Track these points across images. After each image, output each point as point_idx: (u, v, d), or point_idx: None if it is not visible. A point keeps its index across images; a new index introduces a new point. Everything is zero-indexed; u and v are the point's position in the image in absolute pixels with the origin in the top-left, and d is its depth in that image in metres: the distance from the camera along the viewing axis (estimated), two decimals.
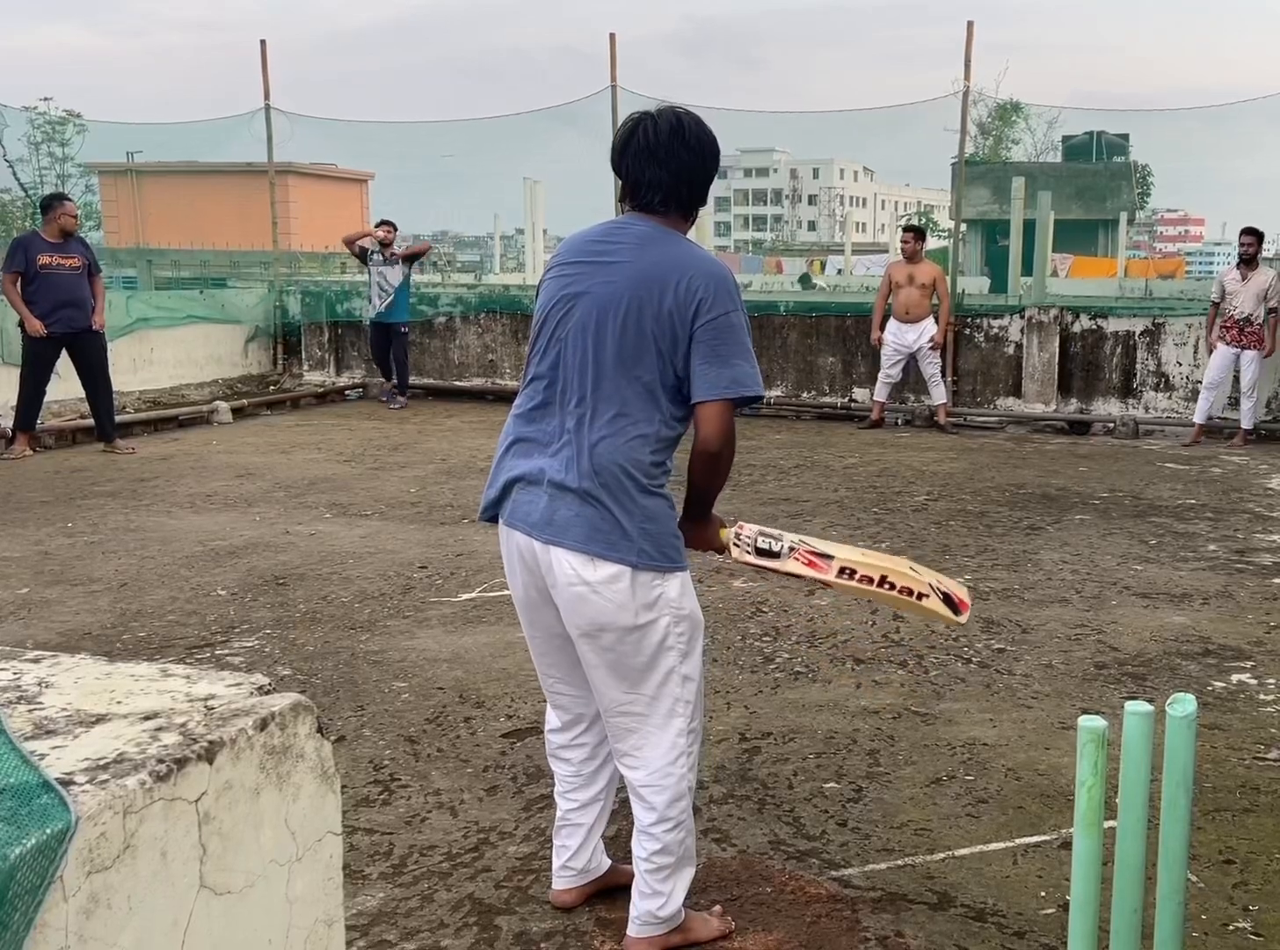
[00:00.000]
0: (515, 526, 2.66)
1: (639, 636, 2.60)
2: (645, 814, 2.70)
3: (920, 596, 2.71)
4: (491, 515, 2.74)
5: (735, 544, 2.78)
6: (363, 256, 11.88)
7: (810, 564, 2.74)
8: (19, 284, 8.90)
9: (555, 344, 2.65)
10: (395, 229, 12.09)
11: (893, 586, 2.71)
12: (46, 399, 9.44)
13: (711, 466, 2.66)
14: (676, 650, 2.64)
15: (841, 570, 2.73)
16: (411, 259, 12.01)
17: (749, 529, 2.79)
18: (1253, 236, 9.82)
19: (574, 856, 2.90)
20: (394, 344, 11.85)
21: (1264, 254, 11.27)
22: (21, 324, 8.97)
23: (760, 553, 2.76)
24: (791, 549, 2.75)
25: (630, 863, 2.82)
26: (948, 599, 2.73)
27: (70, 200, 9.59)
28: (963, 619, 2.77)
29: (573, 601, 2.58)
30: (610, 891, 2.96)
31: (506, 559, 2.74)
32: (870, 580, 2.72)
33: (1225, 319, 9.80)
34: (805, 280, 22.95)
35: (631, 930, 2.74)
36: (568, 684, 2.83)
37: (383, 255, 11.70)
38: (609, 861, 2.98)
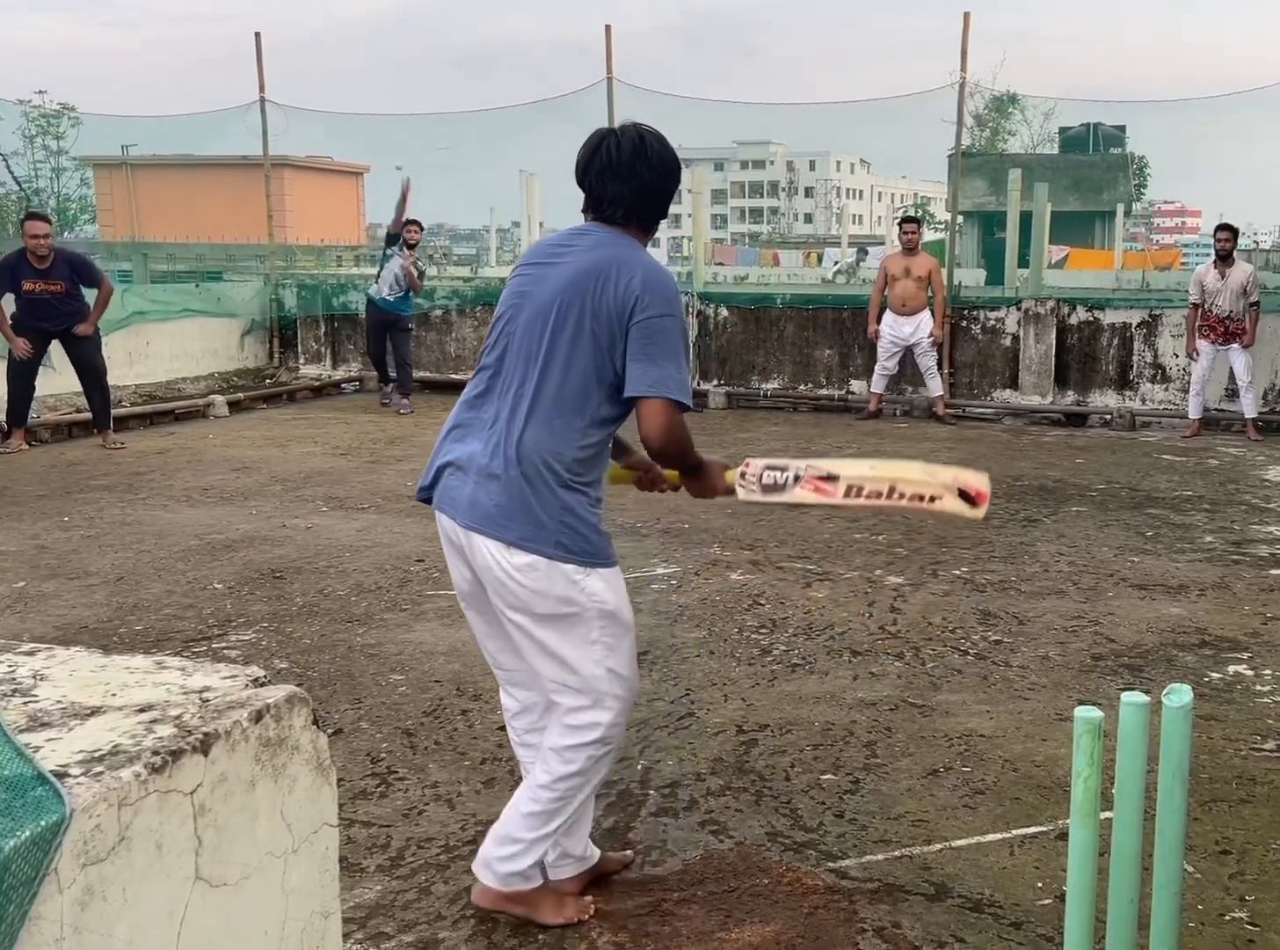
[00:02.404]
0: (444, 510, 2.73)
1: (563, 627, 2.65)
2: (542, 774, 2.76)
3: (932, 499, 2.69)
4: (426, 497, 2.82)
5: (741, 484, 2.78)
6: (394, 241, 11.32)
7: (817, 490, 2.73)
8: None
9: (504, 338, 2.74)
10: (422, 229, 11.63)
11: (903, 495, 2.70)
12: (42, 393, 9.43)
13: (662, 461, 2.73)
14: (602, 645, 2.68)
15: (849, 489, 2.71)
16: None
17: (755, 465, 2.80)
18: (1228, 233, 9.82)
19: (573, 844, 2.90)
20: (397, 341, 11.41)
21: (1262, 246, 11.27)
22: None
23: (767, 488, 2.76)
24: (798, 478, 2.74)
25: (616, 850, 2.84)
26: (964, 494, 2.68)
27: (38, 218, 9.17)
28: (980, 513, 2.71)
29: (495, 585, 2.66)
30: (607, 882, 2.97)
31: (443, 542, 2.80)
32: (879, 494, 2.70)
33: (1208, 318, 9.79)
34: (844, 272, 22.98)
35: (476, 867, 2.83)
36: (516, 665, 2.86)
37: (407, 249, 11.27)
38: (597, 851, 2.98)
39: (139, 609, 5.23)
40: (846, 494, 2.71)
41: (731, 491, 2.81)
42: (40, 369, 9.23)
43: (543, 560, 2.59)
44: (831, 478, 2.73)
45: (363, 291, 12.08)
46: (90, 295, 9.31)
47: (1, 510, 7.10)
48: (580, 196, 2.84)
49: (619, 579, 2.73)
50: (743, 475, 2.78)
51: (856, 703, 4.17)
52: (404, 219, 11.30)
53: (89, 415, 9.56)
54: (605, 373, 2.63)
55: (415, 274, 11.23)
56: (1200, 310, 9.82)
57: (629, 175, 2.71)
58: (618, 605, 2.70)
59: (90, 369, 9.27)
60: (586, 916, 2.83)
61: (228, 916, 1.38)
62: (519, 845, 2.77)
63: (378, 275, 11.43)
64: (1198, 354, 9.82)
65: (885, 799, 3.45)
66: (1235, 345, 9.70)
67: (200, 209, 23.24)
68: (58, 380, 9.72)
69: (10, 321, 8.98)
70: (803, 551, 6.16)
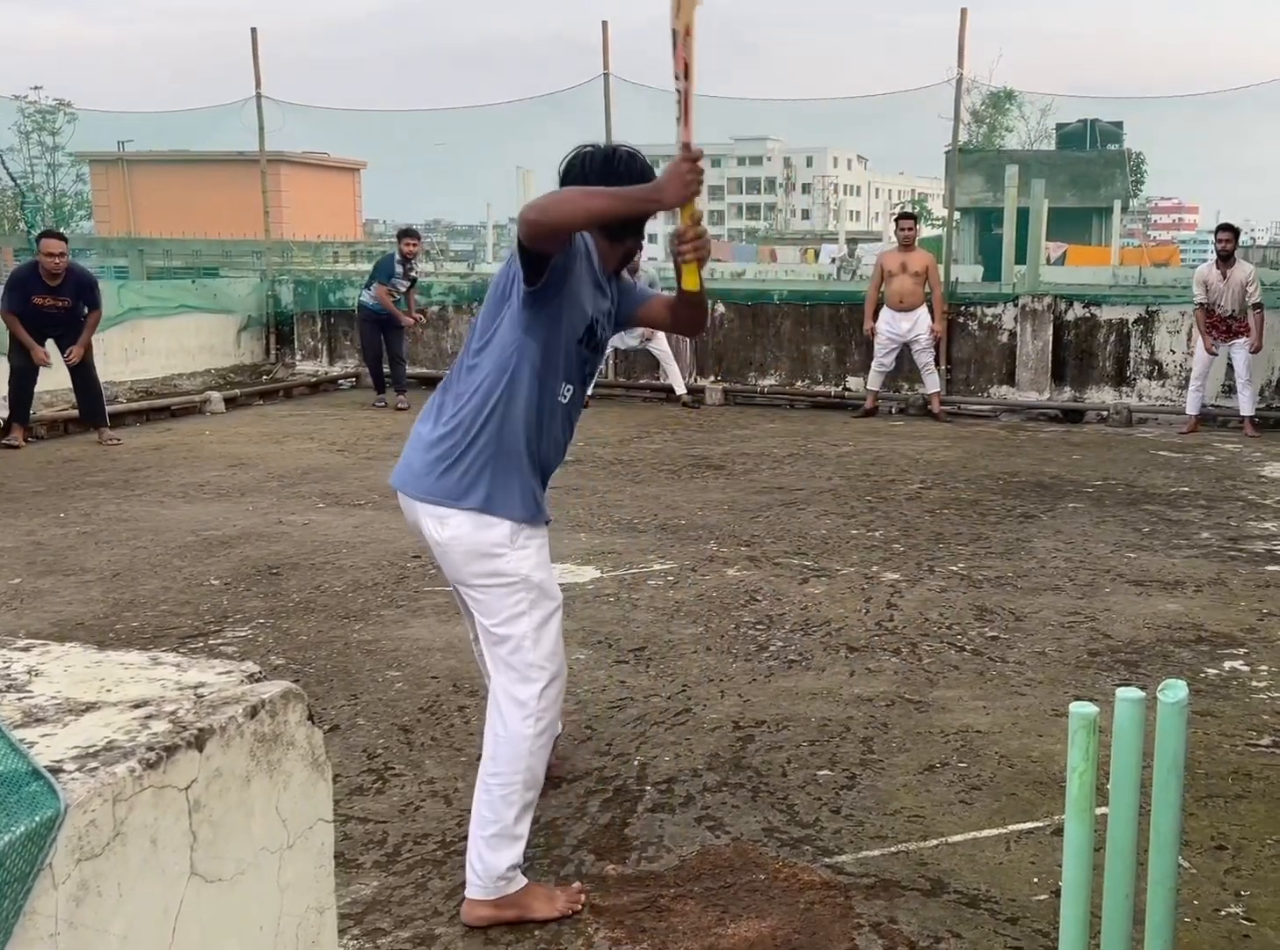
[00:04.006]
0: None
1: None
2: (487, 761, 2.83)
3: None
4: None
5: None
6: (386, 276, 11.16)
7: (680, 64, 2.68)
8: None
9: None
10: (419, 240, 11.50)
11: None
12: (39, 390, 9.42)
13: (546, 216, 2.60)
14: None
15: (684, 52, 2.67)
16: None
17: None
18: (1229, 233, 9.82)
19: None
20: (390, 338, 11.35)
21: (1259, 243, 11.29)
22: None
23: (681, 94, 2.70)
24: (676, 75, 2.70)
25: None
26: None
27: (52, 236, 9.10)
28: None
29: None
30: (605, 881, 2.97)
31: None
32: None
33: (1211, 317, 9.79)
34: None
35: (468, 890, 2.82)
36: None
37: (403, 268, 11.10)
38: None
39: (135, 605, 5.23)
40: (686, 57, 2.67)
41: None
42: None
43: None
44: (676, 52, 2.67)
45: (360, 286, 12.02)
46: None
47: None
48: None
49: (523, 543, 2.89)
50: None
51: (853, 699, 4.17)
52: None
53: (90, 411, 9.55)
54: (487, 331, 2.86)
55: (391, 301, 11.09)
56: (1205, 309, 9.82)
57: (598, 183, 2.73)
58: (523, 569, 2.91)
59: (82, 369, 9.27)
60: (579, 906, 2.84)
61: (223, 912, 1.38)
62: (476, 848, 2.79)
63: (368, 283, 11.32)
64: (1216, 350, 9.82)
65: (881, 795, 3.45)
66: (1238, 341, 9.71)
67: (197, 205, 23.18)
68: (54, 377, 9.70)
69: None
70: (799, 548, 6.16)
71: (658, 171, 2.78)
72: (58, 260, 8.89)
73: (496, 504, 2.77)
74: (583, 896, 2.87)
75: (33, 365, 9.10)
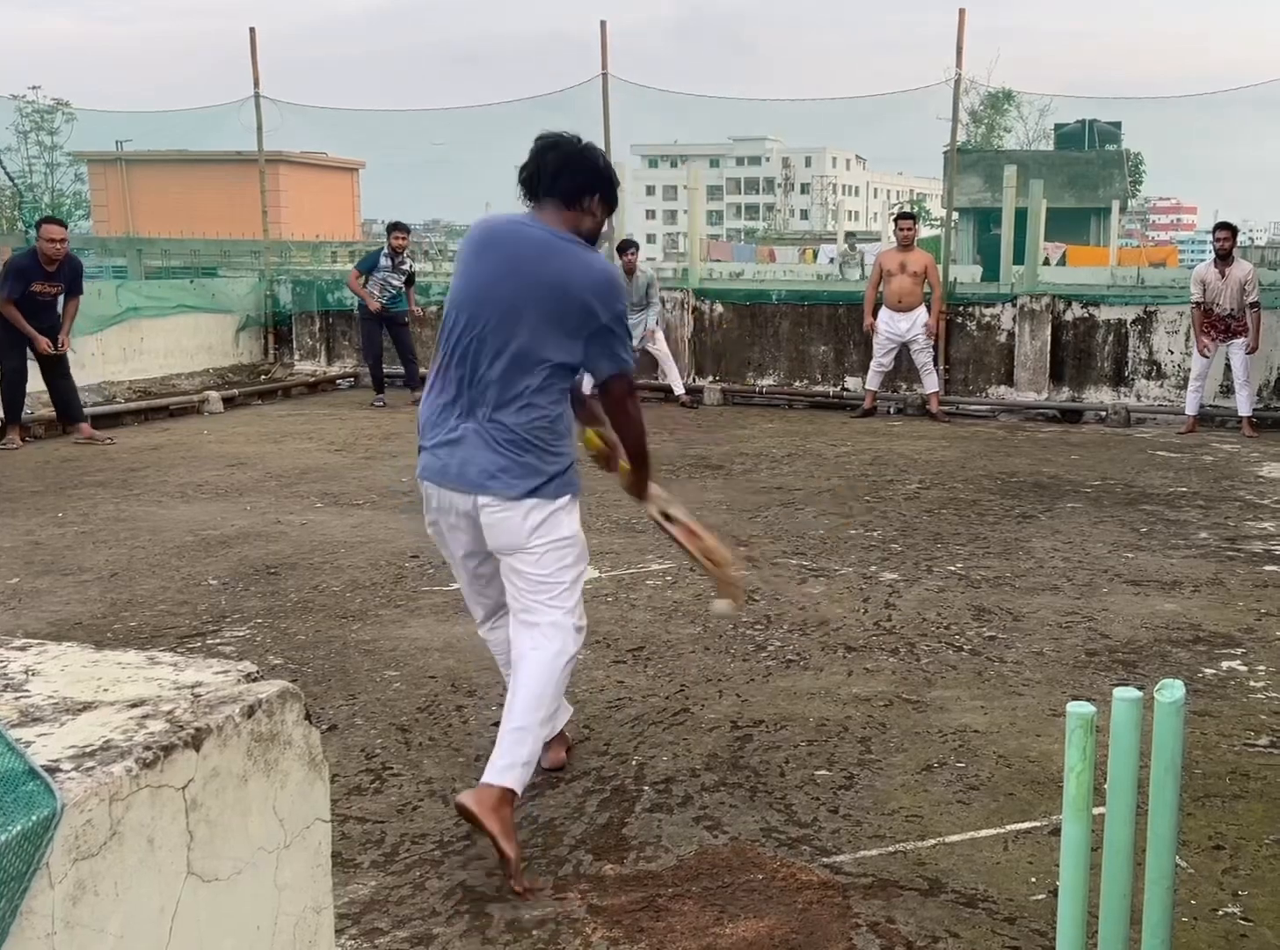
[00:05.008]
0: None
1: None
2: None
3: (717, 565, 3.54)
4: None
5: (655, 503, 3.60)
6: (368, 269, 11.25)
7: (689, 536, 3.54)
8: None
9: None
10: (408, 233, 11.49)
11: (712, 561, 3.54)
12: (35, 389, 9.40)
13: None
14: None
15: (696, 547, 3.54)
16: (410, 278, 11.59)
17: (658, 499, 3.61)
18: (1227, 231, 9.81)
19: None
20: (397, 336, 11.39)
21: (1257, 243, 11.30)
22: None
23: (665, 517, 3.57)
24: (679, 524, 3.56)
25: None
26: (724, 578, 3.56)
27: (53, 222, 9.12)
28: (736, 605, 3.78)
29: None
30: (603, 881, 2.97)
31: None
32: (702, 555, 3.52)
33: (1209, 316, 9.79)
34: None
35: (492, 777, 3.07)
36: None
37: (392, 262, 11.15)
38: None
39: (133, 605, 5.23)
40: (697, 550, 3.48)
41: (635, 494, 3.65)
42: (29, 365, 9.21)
43: None
44: (694, 534, 3.49)
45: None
46: None
47: None
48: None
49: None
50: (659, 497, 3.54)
51: (851, 698, 4.17)
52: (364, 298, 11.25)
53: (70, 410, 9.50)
54: None
55: (364, 289, 11.12)
56: (1201, 309, 9.82)
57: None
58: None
59: (62, 362, 9.22)
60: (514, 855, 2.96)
61: (220, 911, 1.38)
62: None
63: (364, 283, 11.32)
64: (1210, 351, 9.81)
65: (879, 794, 3.45)
66: (1236, 341, 9.71)
67: (195, 204, 23.16)
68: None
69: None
70: (798, 548, 6.16)
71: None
72: (59, 246, 8.87)
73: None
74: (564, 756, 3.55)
75: (24, 366, 9.07)
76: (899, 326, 10.64)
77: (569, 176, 3.16)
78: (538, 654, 3.18)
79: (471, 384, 3.12)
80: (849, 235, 31.47)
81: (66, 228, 9.20)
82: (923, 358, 10.67)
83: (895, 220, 11.66)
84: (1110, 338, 10.87)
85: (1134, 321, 10.80)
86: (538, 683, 3.15)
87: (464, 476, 3.13)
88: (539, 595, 3.20)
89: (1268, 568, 5.84)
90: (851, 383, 11.50)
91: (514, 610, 3.27)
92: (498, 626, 3.48)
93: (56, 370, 9.23)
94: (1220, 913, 2.85)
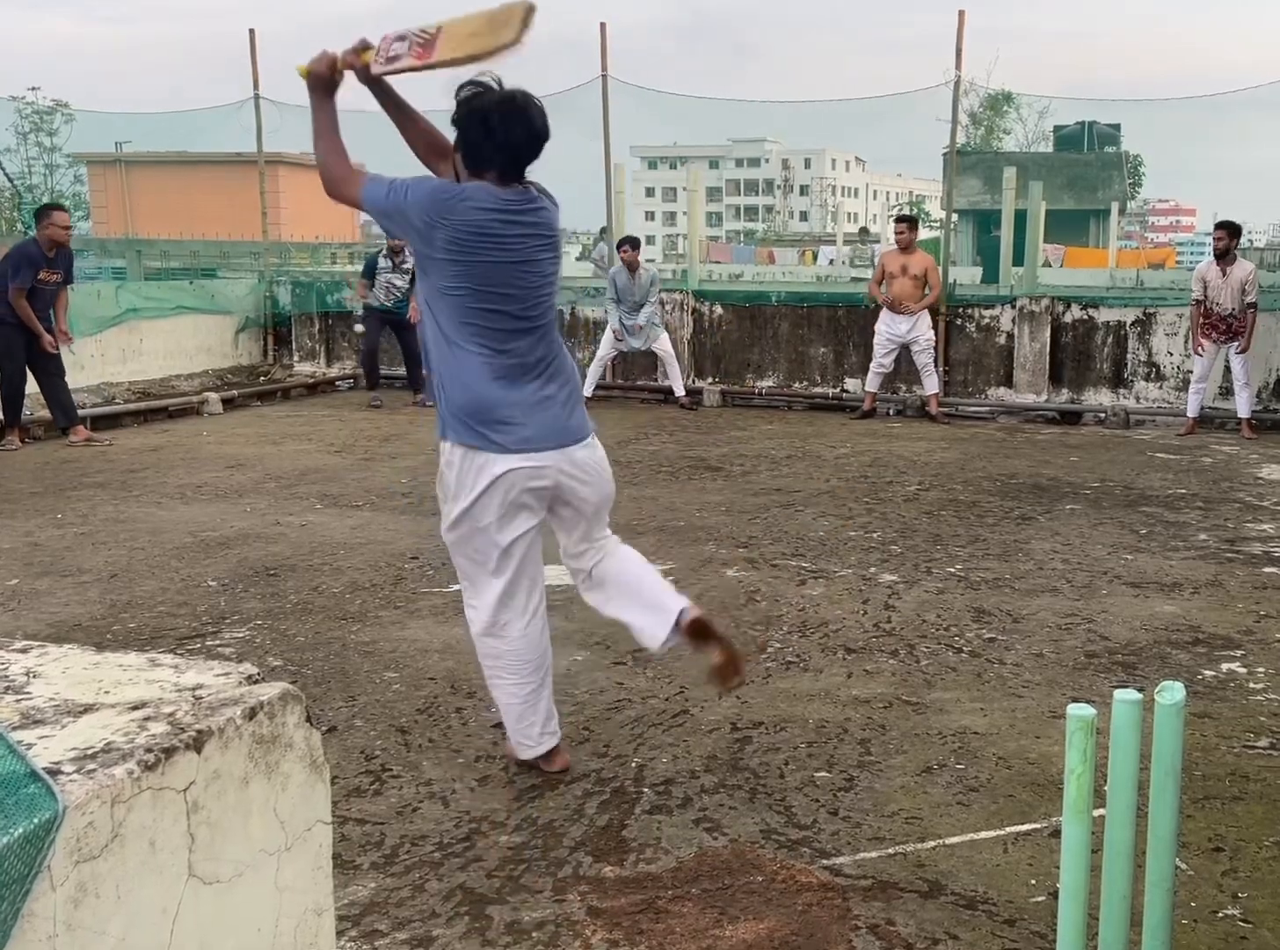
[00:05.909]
0: None
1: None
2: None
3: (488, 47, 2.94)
4: None
5: (376, 61, 3.16)
6: (370, 273, 11.41)
7: (419, 56, 3.02)
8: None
9: None
10: None
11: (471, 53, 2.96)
12: (35, 390, 9.39)
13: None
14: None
15: (428, 45, 2.97)
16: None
17: (386, 38, 3.13)
18: (1225, 231, 9.81)
19: (550, 720, 3.55)
20: (404, 339, 11.42)
21: (1257, 245, 11.30)
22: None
23: (390, 59, 3.11)
24: (410, 45, 3.04)
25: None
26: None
27: (62, 209, 9.26)
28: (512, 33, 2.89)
29: None
30: (602, 883, 2.97)
31: None
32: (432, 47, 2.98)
33: (1209, 316, 9.79)
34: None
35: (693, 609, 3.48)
36: None
37: (393, 262, 11.22)
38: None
39: (133, 606, 5.23)
40: (436, 55, 2.98)
41: (353, 68, 3.19)
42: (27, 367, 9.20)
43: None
44: (429, 42, 2.97)
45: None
46: None
47: None
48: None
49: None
50: (376, 52, 3.13)
51: (851, 700, 4.17)
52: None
53: (78, 411, 9.52)
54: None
55: (370, 295, 11.32)
56: (1202, 307, 9.82)
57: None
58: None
59: (56, 360, 9.20)
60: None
61: (221, 913, 1.38)
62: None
63: (369, 287, 11.42)
64: (1203, 350, 9.81)
65: (879, 796, 3.45)
66: (1236, 343, 9.71)
67: (194, 206, 23.14)
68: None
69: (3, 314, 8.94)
70: (797, 549, 6.16)
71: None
72: (68, 232, 8.95)
73: None
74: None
75: (23, 367, 9.06)
76: (899, 328, 10.64)
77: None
78: (629, 550, 3.63)
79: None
80: (862, 231, 31.49)
81: (70, 213, 9.29)
82: (923, 359, 10.67)
83: (894, 223, 11.68)
84: (1109, 339, 10.87)
85: (1133, 323, 10.80)
86: (641, 561, 3.61)
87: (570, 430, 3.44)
88: (603, 526, 3.57)
89: (1267, 569, 5.85)
90: (851, 384, 11.50)
91: (582, 553, 3.55)
92: (533, 622, 3.54)
93: (50, 367, 9.20)
94: (1220, 915, 2.85)
